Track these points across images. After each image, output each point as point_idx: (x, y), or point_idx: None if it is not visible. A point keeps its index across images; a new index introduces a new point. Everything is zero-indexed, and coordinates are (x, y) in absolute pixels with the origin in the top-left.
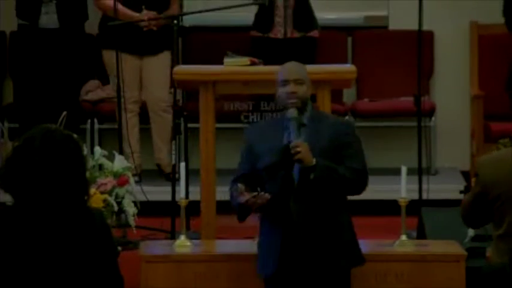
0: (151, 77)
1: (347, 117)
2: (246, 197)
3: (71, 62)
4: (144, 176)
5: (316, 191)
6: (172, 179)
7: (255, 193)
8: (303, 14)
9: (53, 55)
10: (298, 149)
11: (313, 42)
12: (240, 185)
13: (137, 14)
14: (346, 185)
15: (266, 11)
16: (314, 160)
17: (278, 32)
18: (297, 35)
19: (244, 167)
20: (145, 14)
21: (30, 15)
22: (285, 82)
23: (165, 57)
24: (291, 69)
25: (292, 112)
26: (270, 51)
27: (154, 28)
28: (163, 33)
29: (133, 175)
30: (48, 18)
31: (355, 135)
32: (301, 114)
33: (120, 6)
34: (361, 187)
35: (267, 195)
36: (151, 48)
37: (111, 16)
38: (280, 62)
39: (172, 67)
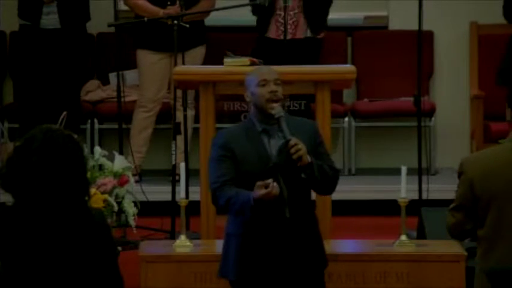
0: None
1: (346, 118)
2: (261, 191)
3: (73, 63)
4: (144, 176)
5: (304, 191)
6: (172, 179)
7: (268, 182)
8: (315, 17)
9: (54, 55)
10: (299, 146)
11: (319, 43)
12: (260, 182)
13: (162, 11)
14: (328, 183)
15: (264, 12)
16: (309, 158)
17: (281, 34)
18: (301, 36)
19: (227, 171)
20: (168, 10)
21: (31, 15)
22: (265, 82)
23: (196, 53)
24: (268, 70)
25: (279, 110)
26: (271, 52)
27: (187, 25)
28: (193, 29)
29: (132, 174)
30: (50, 19)
31: (321, 134)
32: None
33: (143, 3)
34: (336, 185)
35: (275, 185)
36: (180, 45)
37: (139, 14)
38: (282, 63)
39: (203, 62)
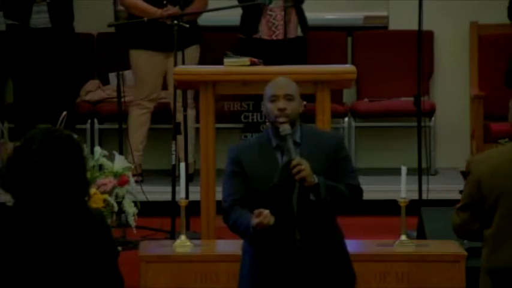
0: None
1: (346, 118)
2: (254, 219)
3: (65, 62)
4: (144, 176)
5: (317, 212)
6: (172, 179)
7: (261, 211)
8: (304, 16)
9: (46, 55)
10: (302, 167)
11: (305, 42)
12: (258, 210)
13: (159, 11)
14: (345, 203)
15: (252, 13)
16: (316, 179)
17: (273, 34)
18: (292, 35)
19: (237, 189)
20: (166, 10)
21: (20, 15)
22: (274, 97)
23: (192, 52)
24: (280, 84)
25: (286, 128)
26: (261, 53)
27: (186, 25)
28: (186, 29)
29: (134, 175)
30: (40, 18)
31: (346, 149)
32: (292, 132)
33: (141, 3)
34: (357, 203)
35: (268, 214)
36: (174, 45)
37: (135, 14)
38: (273, 63)
39: (199, 61)
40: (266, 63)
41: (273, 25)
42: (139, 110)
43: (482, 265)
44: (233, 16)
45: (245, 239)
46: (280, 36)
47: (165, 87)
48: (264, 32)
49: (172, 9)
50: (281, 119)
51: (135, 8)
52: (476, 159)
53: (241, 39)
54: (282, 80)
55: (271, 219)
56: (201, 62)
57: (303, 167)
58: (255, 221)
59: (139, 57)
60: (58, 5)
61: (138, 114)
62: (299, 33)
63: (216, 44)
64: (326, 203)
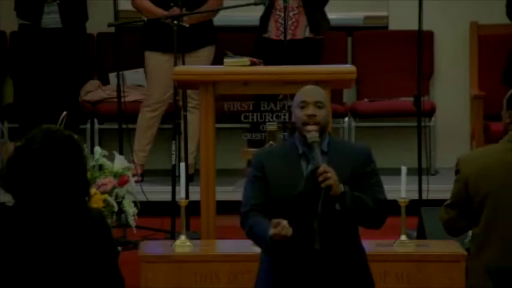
0: None
1: (346, 118)
2: (271, 230)
3: (74, 62)
4: (144, 175)
5: (340, 223)
6: (172, 179)
7: (279, 221)
8: (315, 17)
9: (56, 55)
10: (328, 175)
11: (319, 44)
12: (276, 220)
13: (165, 12)
14: (370, 216)
15: (264, 12)
16: (342, 187)
17: (281, 34)
18: (301, 36)
19: (257, 194)
20: (171, 12)
21: (32, 15)
22: (304, 103)
23: (206, 53)
24: (310, 91)
25: (313, 136)
26: (271, 53)
27: (186, 25)
28: (200, 30)
29: (134, 175)
30: (51, 18)
31: (374, 163)
32: (320, 140)
33: (149, 5)
34: (383, 219)
35: (286, 226)
36: (187, 46)
37: (146, 16)
38: (282, 63)
39: (212, 62)
40: (274, 63)
41: (281, 25)
42: (150, 113)
43: (469, 264)
44: (248, 16)
45: (260, 246)
46: (288, 37)
47: None
48: (272, 31)
49: (177, 11)
50: (310, 127)
51: (144, 10)
52: (465, 158)
53: (256, 39)
54: (312, 87)
55: (289, 231)
56: (215, 62)
57: (330, 174)
58: (272, 231)
59: (153, 59)
60: (69, 5)
61: (149, 117)
62: (307, 34)
63: (230, 44)
64: (350, 213)
